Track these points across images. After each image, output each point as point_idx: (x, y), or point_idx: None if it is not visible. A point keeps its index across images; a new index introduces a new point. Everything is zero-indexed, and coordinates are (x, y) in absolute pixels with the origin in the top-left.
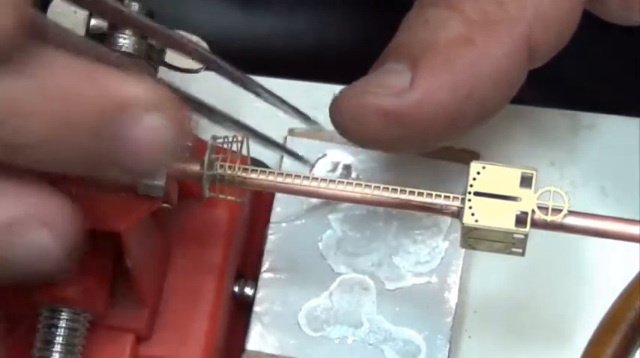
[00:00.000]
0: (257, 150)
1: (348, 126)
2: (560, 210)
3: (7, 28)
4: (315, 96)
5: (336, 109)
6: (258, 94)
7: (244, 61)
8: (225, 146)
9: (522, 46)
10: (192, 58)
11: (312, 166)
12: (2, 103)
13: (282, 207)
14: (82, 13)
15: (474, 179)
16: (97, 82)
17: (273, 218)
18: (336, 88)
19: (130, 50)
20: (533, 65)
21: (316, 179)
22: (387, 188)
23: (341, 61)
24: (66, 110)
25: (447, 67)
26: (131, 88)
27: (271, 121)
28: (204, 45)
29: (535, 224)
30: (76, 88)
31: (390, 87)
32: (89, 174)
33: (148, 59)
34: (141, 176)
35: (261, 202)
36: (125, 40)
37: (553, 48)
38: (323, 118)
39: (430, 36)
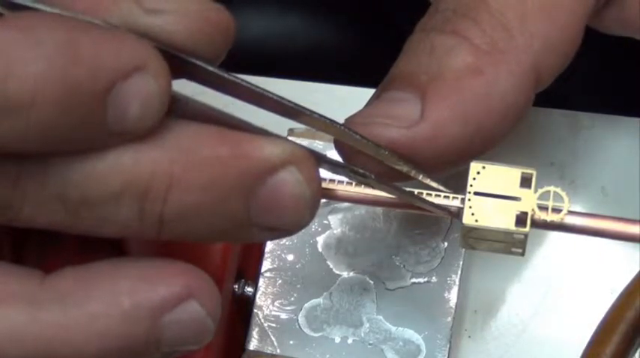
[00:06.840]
0: None
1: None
2: (560, 210)
3: (156, 108)
4: (311, 96)
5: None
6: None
7: (237, 62)
8: None
9: (530, 75)
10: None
11: None
12: (147, 176)
13: None
14: None
15: (474, 179)
16: (233, 144)
17: None
18: (332, 88)
19: None
20: (538, 90)
21: None
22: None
23: (334, 61)
24: (210, 175)
25: (456, 98)
26: (267, 146)
27: (271, 121)
28: None
29: (535, 224)
30: (216, 152)
31: (399, 117)
32: (221, 240)
33: None
34: (281, 235)
35: None
36: None
37: (558, 72)
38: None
39: (437, 65)
